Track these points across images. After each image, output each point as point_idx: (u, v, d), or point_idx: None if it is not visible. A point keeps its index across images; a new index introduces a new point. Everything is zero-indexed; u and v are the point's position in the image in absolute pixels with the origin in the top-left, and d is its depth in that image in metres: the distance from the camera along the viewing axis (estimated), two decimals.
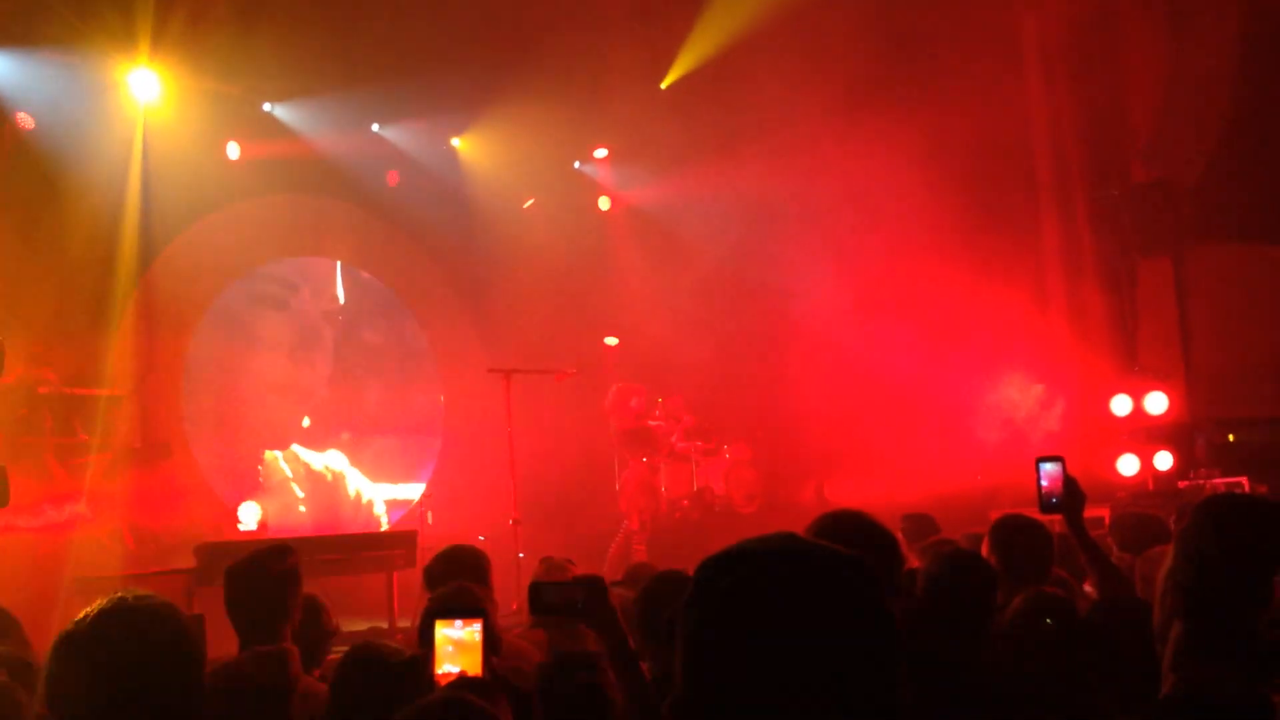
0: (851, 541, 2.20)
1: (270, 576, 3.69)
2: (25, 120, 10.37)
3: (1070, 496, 3.81)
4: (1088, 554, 3.96)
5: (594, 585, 2.85)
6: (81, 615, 2.21)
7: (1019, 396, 11.32)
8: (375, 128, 12.96)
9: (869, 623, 1.29)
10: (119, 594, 2.24)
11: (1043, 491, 3.85)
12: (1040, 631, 3.20)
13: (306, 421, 12.56)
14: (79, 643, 2.17)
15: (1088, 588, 4.66)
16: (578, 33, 11.34)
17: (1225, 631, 1.84)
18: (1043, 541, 4.26)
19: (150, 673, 2.16)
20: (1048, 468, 3.85)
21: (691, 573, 1.41)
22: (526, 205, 13.17)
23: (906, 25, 11.68)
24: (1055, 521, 4.75)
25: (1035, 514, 4.59)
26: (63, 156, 10.45)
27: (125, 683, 2.13)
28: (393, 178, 13.00)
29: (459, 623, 2.75)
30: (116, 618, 2.19)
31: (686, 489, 12.29)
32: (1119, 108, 11.71)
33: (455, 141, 13.40)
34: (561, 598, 2.87)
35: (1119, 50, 11.73)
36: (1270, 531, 1.46)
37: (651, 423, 12.20)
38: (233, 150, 11.72)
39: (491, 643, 2.79)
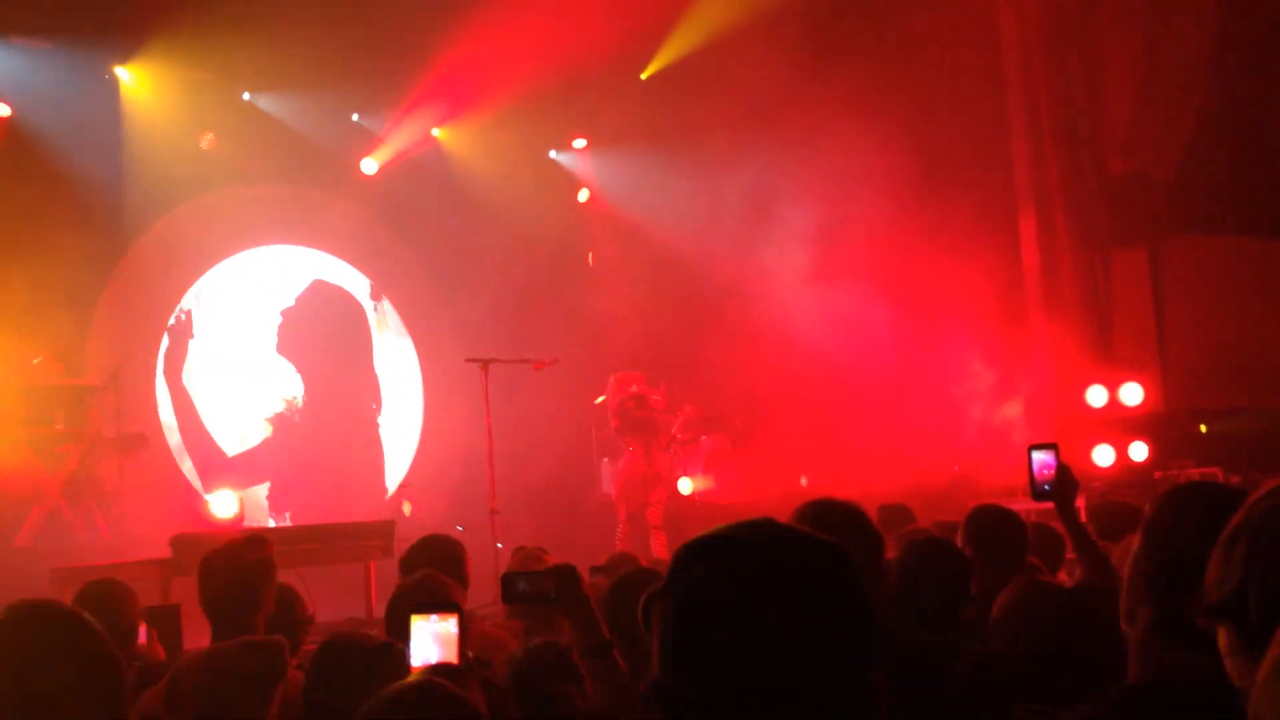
0: (835, 529, 2.22)
1: (245, 566, 3.68)
2: (1, 109, 10.31)
3: (1062, 484, 3.80)
4: (1077, 542, 3.94)
5: (566, 575, 2.85)
6: None
7: (992, 386, 11.35)
8: (355, 117, 12.90)
9: (846, 609, 1.29)
10: (6, 606, 2.10)
11: (1035, 479, 3.83)
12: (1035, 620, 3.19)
13: (292, 411, 12.51)
14: None
15: (1063, 576, 4.70)
16: (558, 23, 11.32)
17: (1188, 617, 1.86)
18: (1017, 531, 4.28)
19: (51, 684, 2.02)
20: (1040, 455, 3.82)
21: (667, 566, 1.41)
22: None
23: (885, 16, 11.71)
24: (1030, 511, 4.77)
25: (1008, 503, 4.63)
26: (41, 144, 10.40)
27: (23, 702, 2.00)
28: (370, 166, 12.94)
29: (434, 616, 2.77)
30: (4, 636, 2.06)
31: (666, 479, 12.23)
32: (1096, 100, 11.75)
33: (435, 132, 13.36)
34: (533, 587, 2.86)
35: (1096, 42, 11.77)
36: (1230, 516, 1.48)
37: (653, 399, 12.02)
38: (210, 139, 11.66)
39: (465, 636, 2.80)
